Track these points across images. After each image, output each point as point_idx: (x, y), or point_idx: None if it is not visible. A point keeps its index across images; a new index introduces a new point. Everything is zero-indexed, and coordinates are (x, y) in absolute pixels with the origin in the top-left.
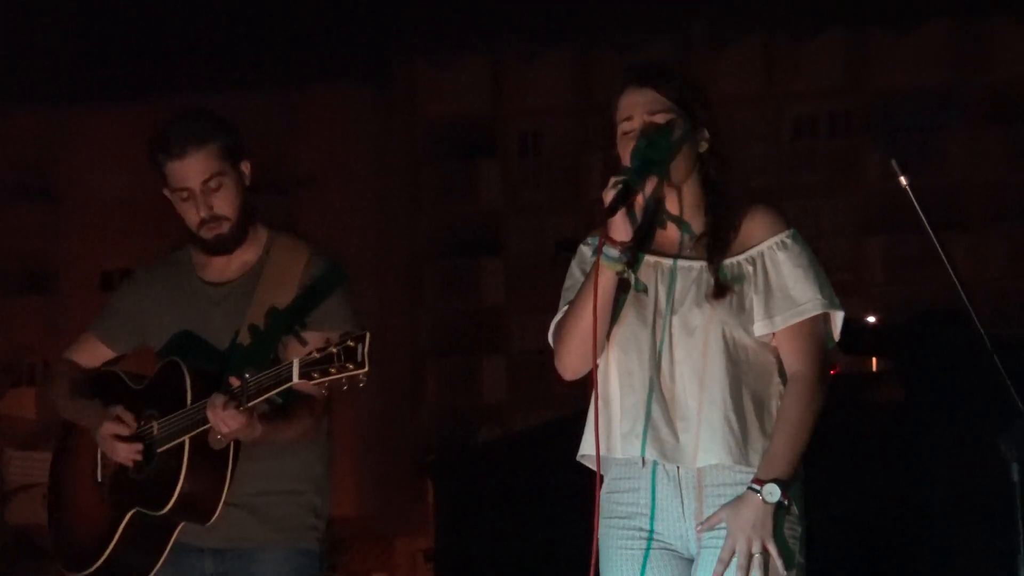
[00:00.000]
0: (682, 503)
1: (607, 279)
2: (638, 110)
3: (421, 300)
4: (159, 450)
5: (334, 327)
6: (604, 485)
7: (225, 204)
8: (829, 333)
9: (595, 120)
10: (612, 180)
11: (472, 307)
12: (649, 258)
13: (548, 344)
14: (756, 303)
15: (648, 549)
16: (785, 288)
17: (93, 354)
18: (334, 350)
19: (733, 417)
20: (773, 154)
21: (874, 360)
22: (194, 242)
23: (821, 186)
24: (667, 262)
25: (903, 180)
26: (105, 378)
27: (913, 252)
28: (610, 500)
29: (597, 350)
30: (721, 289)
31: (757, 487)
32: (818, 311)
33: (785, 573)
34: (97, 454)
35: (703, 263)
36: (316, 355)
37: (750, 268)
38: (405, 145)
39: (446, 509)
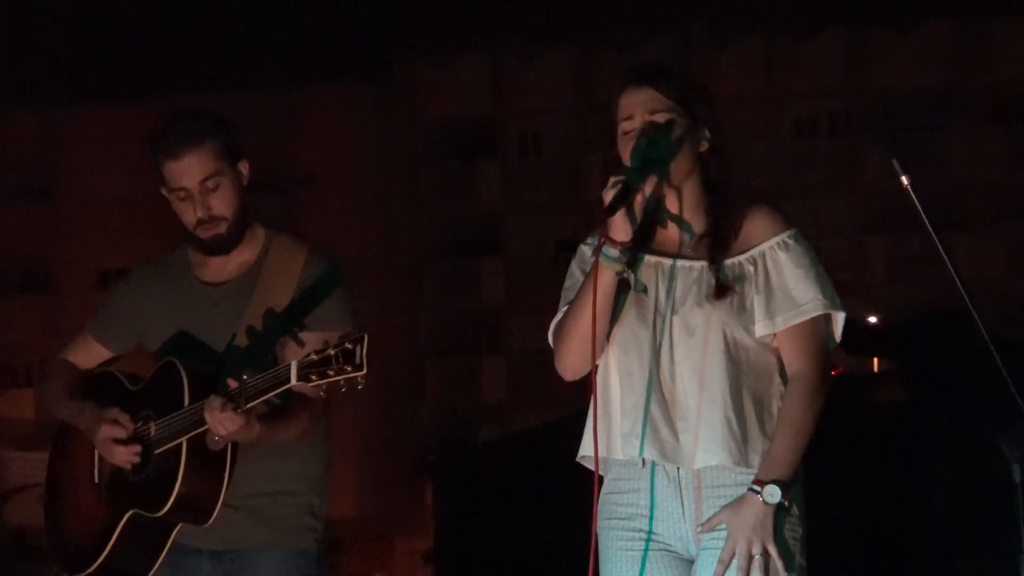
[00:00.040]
0: (682, 504)
1: (607, 279)
2: (638, 109)
3: (421, 300)
4: (156, 451)
5: (332, 327)
6: (604, 486)
7: (223, 204)
8: (830, 334)
9: (595, 120)
10: (611, 180)
11: (472, 307)
12: (650, 258)
13: (548, 344)
14: (757, 303)
15: (649, 550)
16: (786, 288)
17: (89, 354)
18: (332, 352)
19: (733, 418)
20: (773, 154)
21: (875, 360)
22: (191, 242)
23: (821, 186)
24: (668, 262)
25: (904, 180)
26: (101, 379)
27: (914, 252)
28: (610, 501)
29: (597, 350)
30: (722, 289)
31: (757, 488)
32: (819, 312)
33: (786, 574)
34: (94, 455)
35: (704, 263)
36: (314, 357)
37: (751, 268)
38: (405, 145)
39: (446, 509)
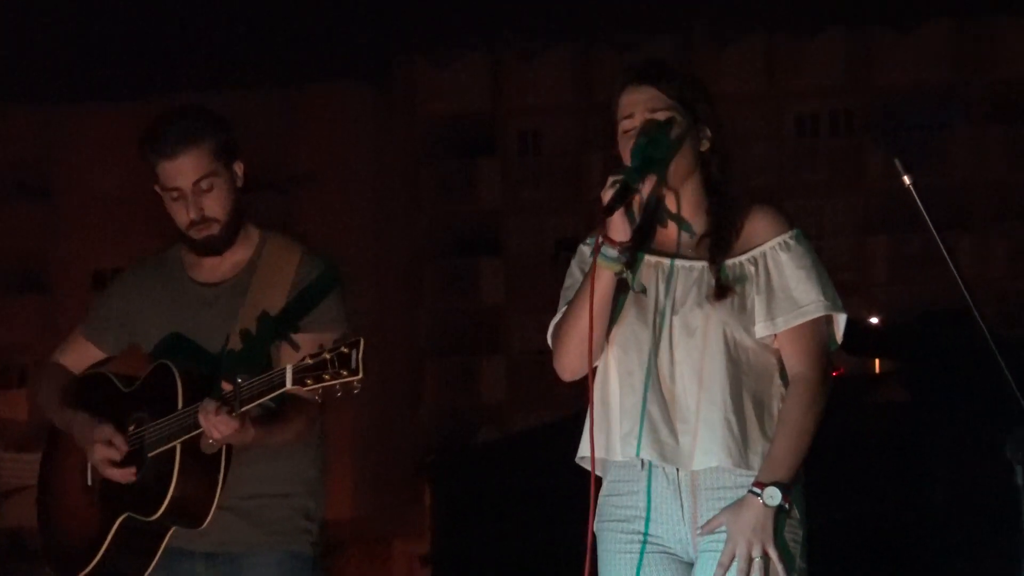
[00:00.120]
0: (682, 506)
1: (605, 279)
2: (639, 108)
3: (420, 300)
4: (150, 455)
5: (327, 328)
6: (603, 487)
7: (216, 206)
8: (832, 335)
9: (595, 119)
10: (610, 179)
11: (471, 307)
12: (650, 258)
13: (548, 344)
14: (758, 304)
15: (648, 553)
16: (787, 289)
17: (82, 355)
18: (328, 356)
19: (733, 419)
20: (774, 153)
21: (877, 361)
22: (184, 242)
23: (822, 185)
24: (668, 262)
25: (907, 179)
26: (94, 380)
27: (915, 252)
28: (609, 503)
29: (595, 351)
30: (722, 290)
31: (758, 490)
32: (820, 313)
33: None
34: (87, 457)
35: (705, 263)
36: (310, 361)
37: (752, 269)
38: (405, 144)
39: (444, 511)
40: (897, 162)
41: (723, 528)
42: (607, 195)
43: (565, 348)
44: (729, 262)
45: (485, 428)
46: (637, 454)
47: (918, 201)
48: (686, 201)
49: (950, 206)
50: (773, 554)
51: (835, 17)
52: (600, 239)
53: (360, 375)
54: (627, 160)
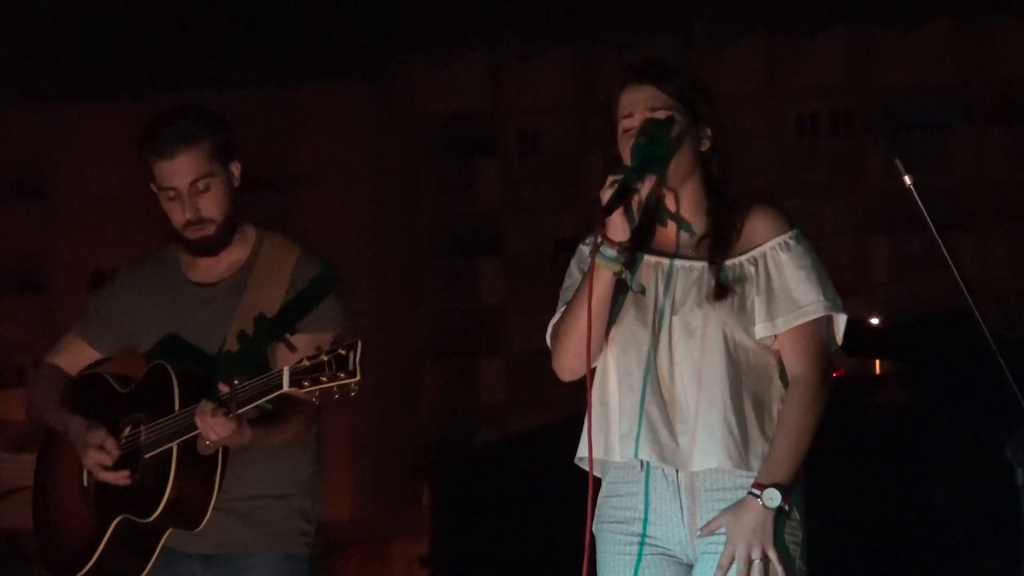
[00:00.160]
0: (681, 507)
1: (604, 279)
2: (639, 107)
3: (420, 300)
4: (146, 456)
5: (325, 329)
6: (603, 489)
7: (212, 206)
8: (832, 336)
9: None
10: (609, 179)
11: (471, 307)
12: (649, 258)
13: (547, 344)
14: (758, 304)
15: (647, 555)
16: (787, 290)
17: (78, 356)
18: (325, 358)
19: (733, 420)
20: (774, 153)
21: (877, 362)
22: (180, 242)
23: (823, 185)
24: (667, 262)
25: (907, 179)
26: (90, 381)
27: (916, 252)
28: (608, 504)
29: (594, 351)
30: (722, 290)
31: (757, 492)
32: (820, 313)
33: None
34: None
35: (704, 264)
36: (307, 363)
37: (752, 269)
38: (404, 144)
39: (443, 512)
40: (898, 162)
41: (722, 530)
42: (606, 195)
43: (564, 348)
44: (729, 262)
45: (484, 429)
46: (636, 455)
47: (919, 201)
48: (686, 201)
49: (951, 206)
50: (773, 556)
51: (835, 17)
52: (599, 239)
53: (357, 377)
54: (627, 159)
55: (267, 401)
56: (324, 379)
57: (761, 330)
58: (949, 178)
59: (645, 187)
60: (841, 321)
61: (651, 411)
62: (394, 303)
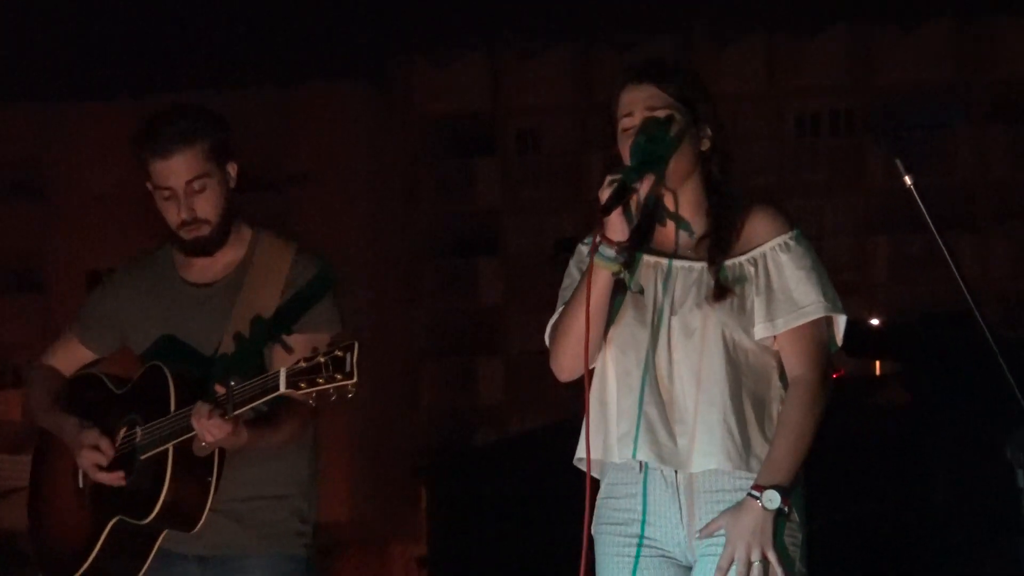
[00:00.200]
0: (680, 509)
1: (603, 279)
2: (638, 106)
3: (418, 300)
4: (142, 457)
5: (321, 328)
6: (601, 490)
7: (208, 207)
8: (832, 337)
9: (595, 119)
10: (608, 178)
11: (470, 307)
12: (649, 258)
13: (546, 345)
14: (757, 305)
15: (646, 556)
16: (787, 290)
17: (72, 357)
18: (322, 359)
19: (732, 421)
20: (775, 153)
21: (877, 363)
22: (174, 241)
23: (823, 185)
24: (667, 263)
25: (908, 180)
26: (86, 381)
27: (917, 252)
28: (607, 506)
29: (592, 351)
30: (722, 291)
31: (757, 493)
32: (820, 314)
33: None
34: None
35: (704, 264)
36: (303, 364)
37: (752, 269)
38: (403, 143)
39: (441, 514)
40: (898, 162)
41: (722, 531)
42: (604, 194)
43: (562, 348)
44: (728, 263)
45: (483, 429)
46: (634, 456)
47: (919, 202)
48: (686, 201)
49: (951, 206)
50: (772, 558)
51: (835, 17)
52: (598, 239)
53: (354, 379)
54: (626, 159)
55: (263, 403)
56: (321, 381)
57: (760, 331)
58: (949, 178)
59: (644, 187)
60: (841, 322)
61: (649, 412)
62: (393, 303)
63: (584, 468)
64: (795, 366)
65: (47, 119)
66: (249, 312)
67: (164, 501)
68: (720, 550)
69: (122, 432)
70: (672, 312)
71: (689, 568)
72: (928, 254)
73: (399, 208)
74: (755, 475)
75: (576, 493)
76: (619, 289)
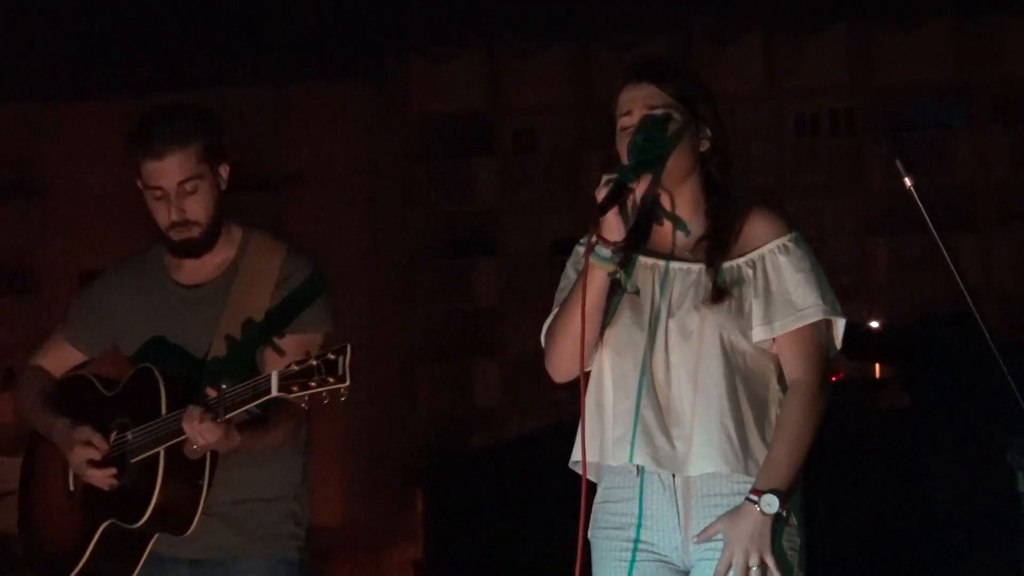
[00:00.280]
0: (678, 513)
1: (598, 279)
2: (637, 105)
3: (414, 301)
4: (133, 460)
5: (313, 329)
6: (598, 494)
7: (198, 208)
8: (831, 340)
9: (593, 118)
10: (604, 178)
11: (466, 309)
12: (647, 260)
13: (543, 347)
14: (755, 308)
15: (643, 561)
16: (786, 293)
17: (62, 358)
18: (314, 362)
19: (730, 424)
20: (774, 153)
21: (877, 366)
22: (163, 242)
23: (823, 186)
24: (664, 264)
25: (908, 181)
26: (75, 383)
27: (917, 253)
28: (604, 510)
29: (588, 352)
30: (719, 293)
31: (755, 498)
32: (819, 317)
33: None
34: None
35: (702, 266)
36: (296, 368)
37: (750, 271)
38: (400, 143)
39: (437, 518)
40: (898, 163)
41: (719, 536)
42: (601, 194)
43: (557, 349)
44: (727, 265)
45: (479, 432)
46: (631, 459)
47: (919, 203)
48: (684, 202)
49: (952, 207)
50: (771, 562)
51: (835, 16)
52: (593, 238)
53: (347, 382)
54: (624, 158)
55: (255, 406)
56: (313, 384)
57: (758, 333)
58: (950, 179)
59: (641, 186)
60: (840, 325)
61: (646, 415)
62: (389, 304)
63: (579, 471)
64: (794, 369)
65: (41, 118)
66: (240, 313)
67: (155, 504)
68: (718, 555)
69: (113, 435)
70: (669, 314)
71: (686, 572)
72: (928, 255)
73: (396, 208)
74: (753, 479)
75: (573, 496)
76: (615, 290)
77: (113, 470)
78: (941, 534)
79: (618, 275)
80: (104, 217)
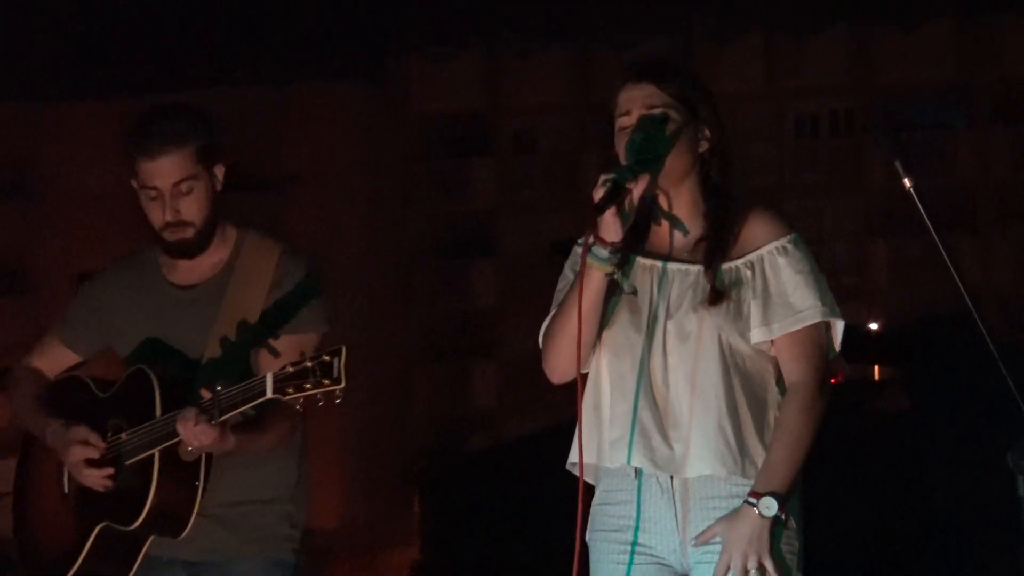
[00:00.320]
0: (676, 515)
1: (595, 280)
2: (636, 104)
3: (412, 302)
4: (127, 462)
5: (308, 329)
6: (596, 496)
7: (193, 209)
8: (830, 342)
9: (593, 119)
10: (601, 178)
11: (464, 310)
12: (645, 261)
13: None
14: (754, 309)
15: (641, 564)
16: (784, 295)
17: (56, 359)
18: (309, 364)
19: (728, 426)
20: (774, 153)
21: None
22: (157, 242)
23: (822, 186)
24: (662, 265)
25: (907, 182)
26: (69, 384)
27: (918, 254)
28: (601, 512)
29: (585, 353)
30: (718, 295)
31: (753, 500)
32: (817, 319)
33: None
34: (62, 464)
35: (700, 267)
36: (291, 369)
37: (749, 273)
38: (399, 142)
39: (434, 519)
40: (898, 164)
41: (718, 539)
42: (598, 193)
43: (555, 350)
44: (725, 266)
45: (477, 434)
46: (628, 461)
47: (919, 205)
48: (683, 203)
49: (953, 208)
50: (769, 566)
51: (835, 16)
52: (590, 239)
53: (342, 384)
54: (623, 157)
55: (250, 408)
56: (308, 386)
57: (757, 335)
58: (951, 179)
59: (638, 186)
60: (839, 328)
61: (644, 417)
62: (386, 305)
63: (576, 473)
64: (792, 371)
65: (37, 118)
66: (235, 314)
67: (151, 506)
68: (716, 557)
69: (107, 437)
70: (668, 316)
71: (684, 575)
72: (929, 256)
73: (393, 208)
74: (751, 481)
75: (572, 498)
76: (613, 291)
77: (109, 470)
78: (940, 537)
79: (616, 276)
80: (102, 218)
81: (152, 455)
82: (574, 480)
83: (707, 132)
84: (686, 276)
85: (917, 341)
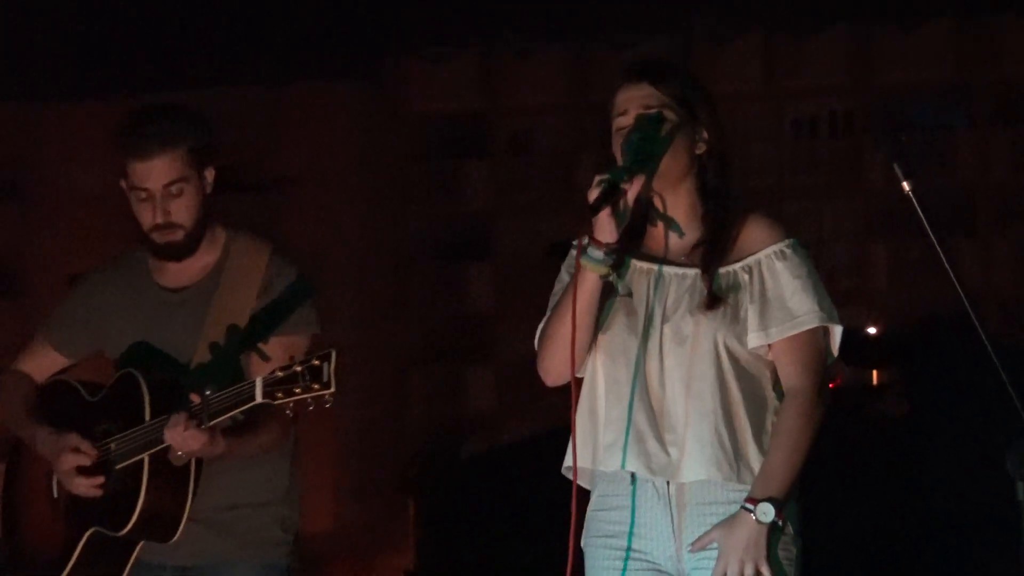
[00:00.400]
0: (672, 521)
1: (590, 281)
2: (633, 104)
3: (407, 305)
4: (117, 467)
5: (298, 332)
6: (592, 501)
7: (183, 211)
8: (828, 347)
9: (590, 120)
10: (597, 178)
11: (460, 313)
12: (640, 264)
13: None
14: (751, 313)
15: (636, 570)
16: (782, 299)
17: (45, 362)
18: (299, 368)
19: (724, 431)
20: (773, 154)
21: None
22: (146, 244)
23: (822, 187)
24: (658, 268)
25: (906, 186)
26: (58, 388)
27: (917, 257)
28: (597, 518)
29: (580, 355)
30: (715, 299)
31: (750, 506)
32: (815, 324)
33: None
34: (52, 469)
35: (697, 271)
36: (280, 374)
37: (746, 277)
38: (398, 142)
39: (429, 524)
40: (896, 167)
41: (714, 545)
42: (593, 194)
43: (549, 352)
44: (722, 270)
45: (473, 438)
46: (623, 466)
47: (918, 208)
48: (680, 205)
49: (953, 209)
50: (766, 571)
51: (835, 16)
52: (585, 240)
53: (332, 389)
54: (619, 158)
55: (240, 412)
56: (298, 391)
57: (754, 339)
58: (951, 180)
59: (634, 187)
60: (837, 333)
61: (639, 421)
62: (381, 308)
63: (570, 477)
64: (790, 376)
65: (29, 118)
66: (224, 317)
67: (140, 511)
68: (712, 564)
69: (97, 441)
70: (664, 319)
71: None
72: (929, 258)
73: (388, 210)
74: (748, 487)
75: (567, 503)
76: (608, 293)
77: (99, 479)
78: (940, 542)
79: (611, 277)
80: (99, 219)
81: (142, 460)
82: (570, 485)
83: (705, 134)
84: (683, 280)
85: (916, 344)
